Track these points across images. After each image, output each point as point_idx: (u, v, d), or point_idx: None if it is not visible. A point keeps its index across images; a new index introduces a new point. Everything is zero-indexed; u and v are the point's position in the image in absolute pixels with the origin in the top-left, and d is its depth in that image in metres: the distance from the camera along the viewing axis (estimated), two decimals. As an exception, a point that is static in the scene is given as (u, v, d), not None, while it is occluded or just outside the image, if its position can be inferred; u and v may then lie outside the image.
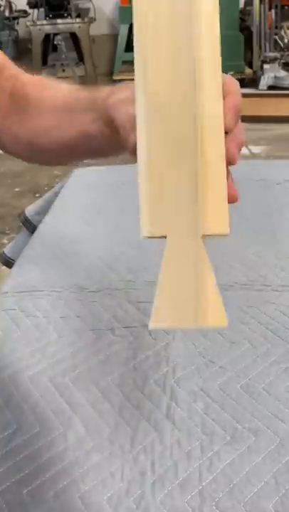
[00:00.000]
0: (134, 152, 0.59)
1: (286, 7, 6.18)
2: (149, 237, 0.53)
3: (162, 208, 0.53)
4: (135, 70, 0.57)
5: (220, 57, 0.57)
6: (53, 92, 0.86)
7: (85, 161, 0.98)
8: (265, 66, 5.97)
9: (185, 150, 0.54)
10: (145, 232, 0.53)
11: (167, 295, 0.51)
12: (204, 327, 0.50)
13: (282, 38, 6.12)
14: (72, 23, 6.26)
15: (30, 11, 6.50)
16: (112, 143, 0.73)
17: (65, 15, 6.27)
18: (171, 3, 0.57)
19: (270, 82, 5.92)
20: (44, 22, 6.24)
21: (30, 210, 1.68)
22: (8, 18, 6.62)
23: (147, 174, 0.54)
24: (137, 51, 0.57)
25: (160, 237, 0.52)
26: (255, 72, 6.07)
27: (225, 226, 0.52)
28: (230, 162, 0.54)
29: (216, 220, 0.52)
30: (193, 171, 0.53)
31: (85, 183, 1.69)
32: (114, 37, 6.94)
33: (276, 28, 6.15)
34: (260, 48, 6.05)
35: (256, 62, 6.08)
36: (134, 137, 0.58)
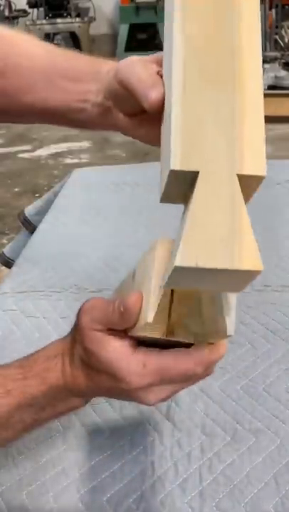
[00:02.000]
0: (153, 107, 0.58)
1: (286, 7, 6.19)
2: (180, 171, 0.48)
3: (196, 142, 0.48)
4: (174, 12, 0.53)
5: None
6: (41, 50, 0.81)
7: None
8: (266, 66, 5.97)
9: (223, 85, 0.51)
10: (176, 165, 0.48)
11: (199, 232, 0.46)
12: (240, 269, 0.45)
13: (282, 38, 6.12)
14: (72, 22, 6.27)
15: (29, 10, 6.50)
16: (105, 116, 0.73)
17: (65, 14, 6.27)
18: None
19: (271, 82, 5.91)
20: (44, 21, 6.25)
21: (29, 210, 1.68)
22: (7, 18, 6.61)
23: (182, 107, 0.50)
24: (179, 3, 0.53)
25: (192, 172, 0.47)
26: (255, 72, 6.06)
27: (262, 168, 0.49)
28: None
29: (254, 160, 0.49)
30: (231, 107, 0.50)
31: (84, 183, 1.69)
32: (113, 37, 6.94)
33: (276, 27, 6.16)
34: (260, 47, 6.05)
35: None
36: (156, 92, 0.58)
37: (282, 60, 6.00)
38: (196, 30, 0.52)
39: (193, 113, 0.50)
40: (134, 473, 0.74)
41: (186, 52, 0.52)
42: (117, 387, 0.59)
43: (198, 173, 0.48)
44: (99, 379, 0.60)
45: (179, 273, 0.46)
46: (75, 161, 4.53)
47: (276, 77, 5.90)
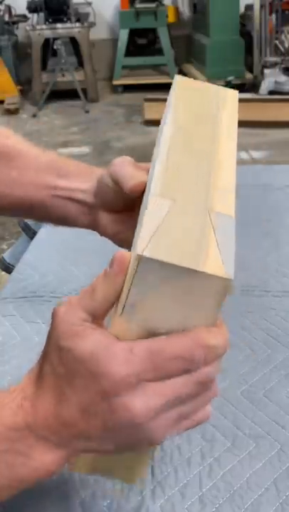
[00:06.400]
0: (132, 191, 0.66)
1: (286, 12, 6.19)
2: (158, 198, 0.50)
3: (174, 184, 0.53)
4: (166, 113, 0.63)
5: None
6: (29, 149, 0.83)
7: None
8: (266, 71, 5.97)
9: (201, 153, 0.58)
10: (156, 193, 0.50)
11: (169, 230, 0.47)
12: (202, 271, 0.44)
13: (282, 43, 6.12)
14: (72, 27, 6.26)
15: (29, 15, 6.50)
16: (88, 214, 0.77)
17: (65, 19, 6.27)
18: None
19: (271, 87, 5.92)
20: (44, 27, 6.24)
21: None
22: (7, 23, 6.62)
23: (165, 161, 0.55)
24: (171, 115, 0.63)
25: (168, 200, 0.50)
26: (255, 77, 6.06)
27: (231, 210, 0.51)
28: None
29: (224, 205, 0.52)
30: (208, 166, 0.56)
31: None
32: (114, 41, 6.95)
33: (276, 32, 6.16)
34: (260, 52, 6.06)
35: (257, 67, 6.08)
36: (136, 180, 0.66)
37: (283, 65, 6.00)
38: (184, 122, 0.61)
39: (173, 168, 0.54)
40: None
41: (173, 133, 0.59)
42: (95, 394, 0.47)
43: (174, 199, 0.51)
44: (72, 392, 0.49)
45: (145, 266, 0.46)
46: (75, 166, 4.52)
47: (276, 82, 5.91)
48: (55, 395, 0.50)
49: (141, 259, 0.45)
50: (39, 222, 0.87)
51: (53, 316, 0.51)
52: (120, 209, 0.74)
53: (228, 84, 5.10)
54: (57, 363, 0.50)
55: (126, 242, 0.74)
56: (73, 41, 6.39)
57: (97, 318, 0.51)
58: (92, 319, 0.50)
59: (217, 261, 0.46)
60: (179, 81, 0.70)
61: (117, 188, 0.69)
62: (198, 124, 0.62)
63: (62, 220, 0.80)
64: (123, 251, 0.50)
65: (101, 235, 0.78)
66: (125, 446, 0.51)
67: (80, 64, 6.48)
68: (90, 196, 0.76)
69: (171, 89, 0.68)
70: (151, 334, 0.48)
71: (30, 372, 0.54)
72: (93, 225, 0.78)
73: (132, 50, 6.77)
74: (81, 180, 0.77)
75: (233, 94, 0.70)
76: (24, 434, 0.50)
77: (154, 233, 0.46)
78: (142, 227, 0.47)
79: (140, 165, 0.70)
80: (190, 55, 6.88)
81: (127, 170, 0.68)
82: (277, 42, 6.13)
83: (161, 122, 0.65)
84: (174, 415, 0.49)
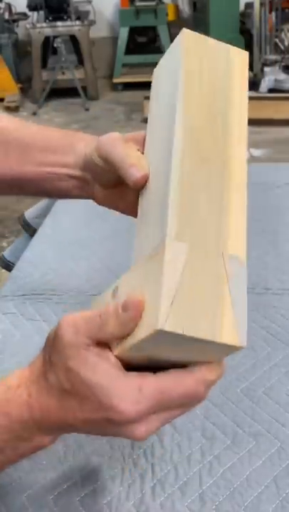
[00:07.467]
0: (137, 185, 0.62)
1: (286, 10, 6.19)
2: (174, 243, 0.51)
3: (188, 219, 0.52)
4: (177, 108, 0.58)
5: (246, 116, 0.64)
6: (15, 124, 0.82)
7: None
8: (266, 69, 5.97)
9: (214, 173, 0.57)
10: (172, 235, 0.51)
11: (184, 300, 0.48)
12: (219, 342, 0.48)
13: (282, 41, 6.12)
14: (72, 25, 6.26)
15: (29, 13, 6.49)
16: (82, 187, 0.76)
17: (65, 17, 6.26)
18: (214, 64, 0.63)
19: (271, 85, 5.92)
20: (44, 25, 6.24)
21: (29, 213, 1.68)
22: (7, 21, 6.61)
23: (179, 188, 0.54)
24: (182, 98, 0.59)
25: (183, 245, 0.51)
26: (255, 75, 6.06)
27: (243, 250, 0.57)
28: None
29: (236, 245, 0.56)
30: (220, 198, 0.57)
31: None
32: (114, 40, 6.94)
33: (276, 30, 6.15)
34: (260, 50, 6.05)
35: (256, 65, 6.08)
36: (141, 172, 0.62)
37: (283, 63, 6.00)
38: (194, 122, 0.58)
39: (187, 196, 0.54)
40: (134, 476, 0.74)
41: (184, 140, 0.56)
42: (101, 419, 0.51)
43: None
44: (79, 408, 0.52)
45: (158, 337, 0.47)
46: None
47: (276, 80, 5.91)
48: (60, 406, 0.53)
49: (159, 332, 0.46)
50: (34, 196, 0.84)
51: (60, 335, 0.53)
52: (113, 184, 0.72)
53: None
54: (64, 380, 0.52)
55: (126, 212, 0.74)
56: (73, 39, 6.38)
57: (102, 344, 0.52)
58: (97, 343, 0.52)
59: (232, 329, 0.50)
60: (186, 38, 0.63)
61: (108, 167, 0.67)
62: (210, 122, 0.59)
63: (55, 193, 0.80)
64: (138, 295, 0.50)
65: (99, 204, 0.78)
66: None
67: (80, 62, 6.48)
68: (77, 171, 0.74)
69: (177, 48, 0.63)
70: (153, 361, 0.52)
71: (34, 367, 0.56)
72: (89, 197, 0.77)
73: (132, 48, 6.77)
74: (63, 154, 0.75)
75: (244, 58, 0.67)
76: (29, 426, 0.54)
77: (172, 302, 0.47)
78: (162, 289, 0.47)
79: (127, 137, 0.68)
80: (190, 53, 6.86)
81: (119, 151, 0.65)
82: (277, 40, 6.13)
83: (159, 80, 0.64)
84: (164, 423, 0.54)
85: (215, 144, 0.58)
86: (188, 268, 0.49)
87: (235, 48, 0.66)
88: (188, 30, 0.63)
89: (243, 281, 0.53)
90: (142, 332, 0.48)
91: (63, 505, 0.71)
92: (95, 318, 0.52)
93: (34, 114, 6.05)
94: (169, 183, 0.53)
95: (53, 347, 0.53)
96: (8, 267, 1.59)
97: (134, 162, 0.63)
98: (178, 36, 0.64)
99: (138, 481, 0.73)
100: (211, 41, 0.64)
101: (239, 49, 0.66)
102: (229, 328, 0.49)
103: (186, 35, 0.63)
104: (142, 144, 0.67)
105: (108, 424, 0.51)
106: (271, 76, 5.92)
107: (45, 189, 0.78)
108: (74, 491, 0.73)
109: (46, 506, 0.71)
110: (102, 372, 0.50)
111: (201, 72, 0.61)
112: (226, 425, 0.81)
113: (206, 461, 0.76)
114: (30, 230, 1.59)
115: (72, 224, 1.45)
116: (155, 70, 0.71)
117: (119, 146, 0.66)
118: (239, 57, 0.66)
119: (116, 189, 0.72)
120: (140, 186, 0.63)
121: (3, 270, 1.67)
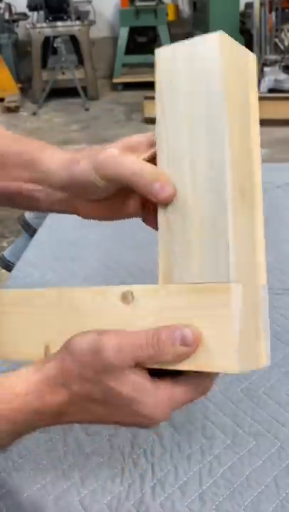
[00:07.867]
0: (167, 201, 0.59)
1: (286, 10, 6.19)
2: (238, 286, 0.54)
3: (239, 259, 0.55)
4: (224, 140, 0.57)
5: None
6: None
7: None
8: (266, 69, 5.97)
9: (249, 205, 0.59)
10: (234, 279, 0.54)
11: (244, 341, 0.53)
12: (259, 368, 0.57)
13: (282, 41, 6.12)
14: (72, 25, 6.26)
15: (30, 13, 6.50)
16: (64, 202, 0.72)
17: (65, 18, 6.27)
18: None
19: (271, 85, 5.92)
20: (44, 25, 6.24)
21: (29, 213, 1.68)
22: (7, 21, 6.62)
23: (234, 229, 0.55)
24: (226, 130, 0.57)
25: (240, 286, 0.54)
26: (255, 75, 6.07)
27: (264, 276, 0.59)
28: None
29: (264, 273, 0.59)
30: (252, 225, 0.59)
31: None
32: (114, 40, 6.95)
33: (276, 30, 6.16)
34: (260, 50, 6.06)
35: (256, 65, 6.08)
36: (169, 187, 0.59)
37: (283, 63, 6.00)
38: (235, 154, 0.57)
39: (236, 233, 0.56)
40: (134, 476, 0.74)
41: (233, 180, 0.56)
42: (131, 422, 0.58)
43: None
44: (108, 413, 0.58)
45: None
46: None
47: (276, 80, 5.91)
48: (84, 408, 0.58)
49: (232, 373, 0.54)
50: (27, 210, 0.83)
51: (104, 358, 0.55)
52: (101, 198, 0.68)
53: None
54: (98, 392, 0.56)
55: (113, 218, 0.75)
56: (73, 39, 6.39)
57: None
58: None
59: (265, 356, 0.57)
60: (223, 44, 0.58)
61: (107, 184, 0.64)
62: (243, 150, 0.58)
63: (44, 209, 0.75)
64: (198, 332, 0.54)
65: (84, 218, 0.75)
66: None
67: (80, 62, 6.48)
68: (53, 191, 0.71)
69: (213, 55, 0.58)
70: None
71: (47, 373, 0.58)
72: (72, 212, 0.74)
73: (132, 48, 6.78)
74: (29, 171, 0.72)
75: (254, 64, 0.65)
76: (40, 423, 0.60)
77: (239, 345, 0.53)
78: (233, 334, 0.53)
79: (123, 148, 0.64)
80: (190, 53, 6.86)
81: (127, 167, 0.61)
82: (277, 40, 6.13)
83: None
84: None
85: (247, 175, 0.59)
86: (244, 307, 0.54)
87: (251, 53, 0.65)
88: (226, 36, 0.58)
89: (267, 301, 0.59)
90: (206, 367, 0.55)
91: (63, 504, 0.71)
92: (141, 343, 0.55)
93: (34, 114, 6.05)
94: (226, 222, 0.55)
95: (86, 364, 0.56)
96: (8, 267, 1.59)
97: (154, 178, 0.59)
98: (213, 37, 0.59)
99: (138, 481, 0.73)
100: (240, 48, 0.62)
101: (252, 53, 0.65)
102: (263, 354, 0.57)
103: (223, 40, 0.58)
104: (139, 151, 0.64)
105: (135, 425, 0.59)
106: (271, 76, 5.92)
107: (19, 203, 0.75)
108: (74, 490, 0.73)
109: (46, 506, 0.71)
110: (140, 388, 0.55)
111: (235, 87, 0.59)
112: (226, 425, 0.81)
113: (206, 461, 0.76)
114: (30, 230, 1.59)
115: (71, 224, 1.45)
116: (163, 60, 0.64)
117: (124, 162, 0.62)
118: (253, 63, 0.65)
119: (103, 202, 0.69)
120: (170, 202, 0.59)
121: (3, 270, 1.67)
